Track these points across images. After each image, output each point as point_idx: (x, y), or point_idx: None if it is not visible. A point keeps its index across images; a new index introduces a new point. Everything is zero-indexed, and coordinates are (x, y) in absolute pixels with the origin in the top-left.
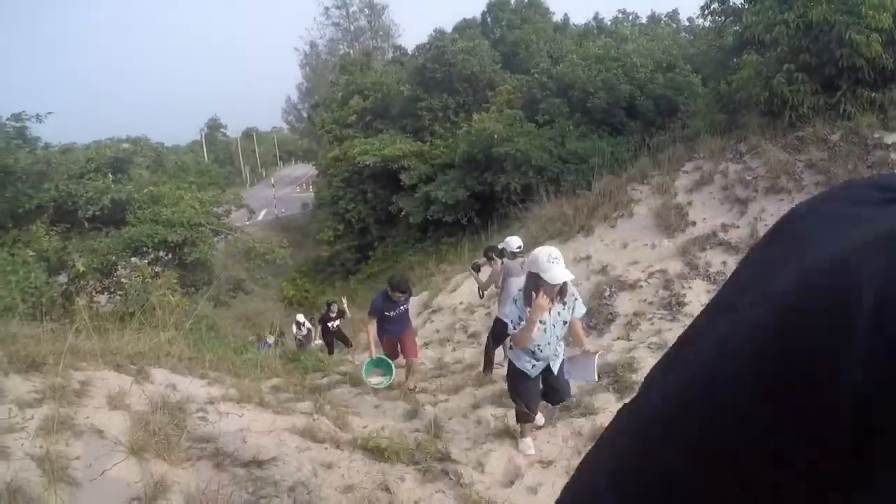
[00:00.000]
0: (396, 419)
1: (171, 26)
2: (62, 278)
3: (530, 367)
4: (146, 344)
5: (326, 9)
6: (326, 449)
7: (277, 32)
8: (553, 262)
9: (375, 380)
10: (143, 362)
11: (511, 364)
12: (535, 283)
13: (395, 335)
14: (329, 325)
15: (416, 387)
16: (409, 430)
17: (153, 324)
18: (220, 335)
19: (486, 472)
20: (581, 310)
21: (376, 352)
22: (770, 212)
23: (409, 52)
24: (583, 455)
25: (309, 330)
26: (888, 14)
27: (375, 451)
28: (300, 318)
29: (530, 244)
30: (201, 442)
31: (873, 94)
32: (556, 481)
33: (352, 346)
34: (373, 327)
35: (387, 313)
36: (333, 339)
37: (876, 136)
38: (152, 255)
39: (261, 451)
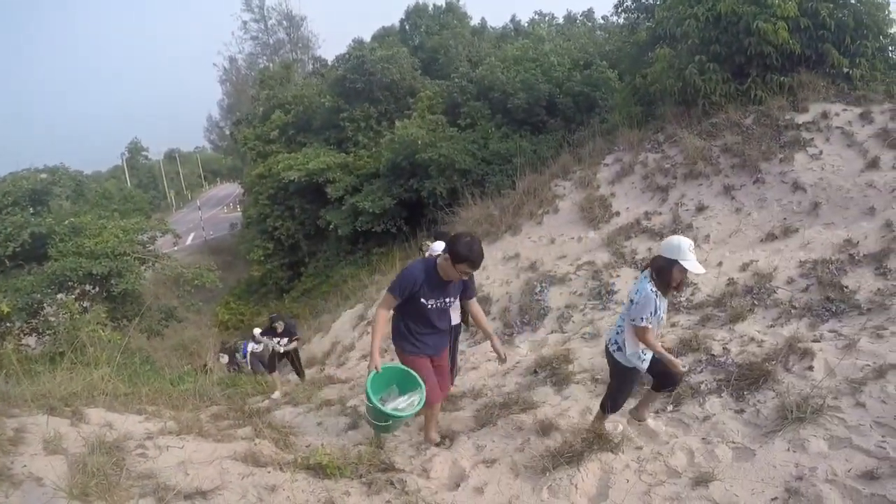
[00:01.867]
0: (339, 434)
1: (84, 48)
2: None
3: (642, 363)
4: (79, 384)
5: (245, 22)
6: (269, 472)
7: (195, 49)
8: (692, 252)
9: (401, 404)
10: (77, 403)
11: (623, 366)
12: (680, 269)
13: (433, 350)
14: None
15: (444, 439)
16: (352, 443)
17: (85, 362)
18: (156, 367)
19: (431, 478)
20: None
21: (379, 360)
22: (690, 196)
23: (329, 62)
24: (525, 451)
25: (265, 345)
26: (793, 2)
27: (318, 469)
28: (257, 332)
29: None
30: (142, 479)
31: (782, 79)
32: (501, 479)
33: (304, 379)
34: (384, 315)
35: (425, 302)
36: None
37: (787, 117)
38: (78, 290)
39: (203, 481)
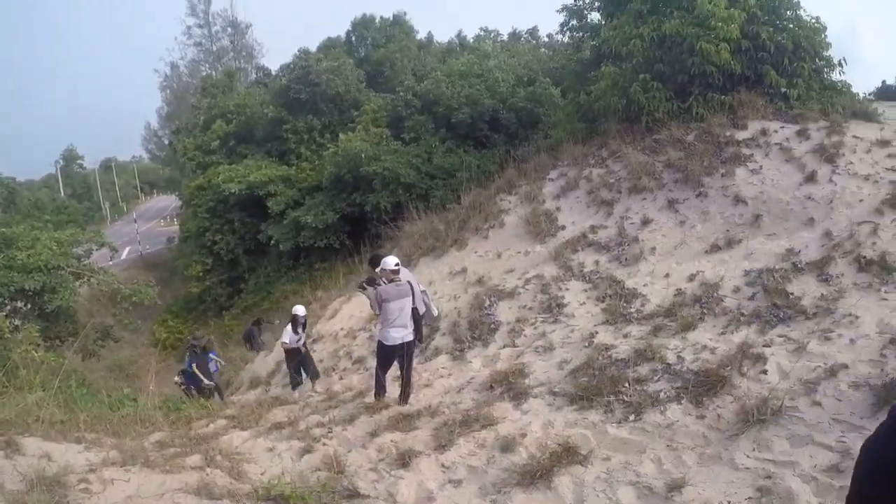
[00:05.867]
0: (294, 459)
1: (17, 48)
2: None
3: None
4: (12, 410)
5: (188, 28)
6: None
7: (136, 53)
8: None
9: None
10: (11, 432)
11: None
12: None
13: None
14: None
15: None
16: (309, 469)
17: (18, 385)
18: (93, 390)
19: (398, 502)
20: None
21: None
22: (635, 210)
23: (273, 72)
24: (492, 469)
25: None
26: (735, 25)
27: (280, 500)
28: (300, 310)
29: (404, 262)
30: None
31: (723, 97)
32: (471, 500)
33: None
34: None
35: None
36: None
37: (727, 134)
38: (9, 307)
39: None
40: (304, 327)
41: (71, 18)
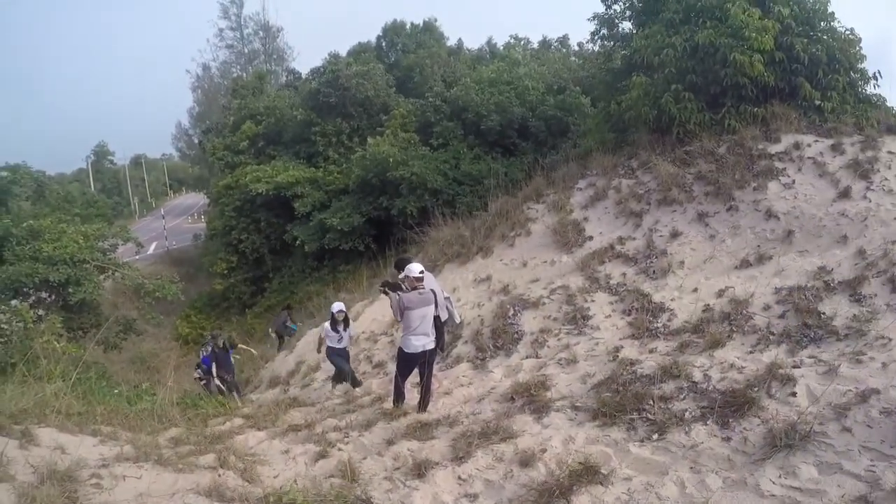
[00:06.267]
0: (308, 464)
1: (52, 43)
2: None
3: None
4: (30, 399)
5: (221, 30)
6: None
7: (169, 53)
8: None
9: None
10: (27, 422)
11: None
12: None
13: None
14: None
15: None
16: (323, 475)
17: (37, 375)
18: (112, 383)
19: None
20: None
21: None
22: (664, 222)
23: (303, 75)
24: (509, 484)
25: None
26: (769, 36)
27: None
28: (336, 307)
29: (429, 267)
30: None
31: (755, 110)
32: None
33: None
34: None
35: None
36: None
37: (760, 146)
38: (34, 297)
39: None
40: (345, 325)
41: (106, 18)
